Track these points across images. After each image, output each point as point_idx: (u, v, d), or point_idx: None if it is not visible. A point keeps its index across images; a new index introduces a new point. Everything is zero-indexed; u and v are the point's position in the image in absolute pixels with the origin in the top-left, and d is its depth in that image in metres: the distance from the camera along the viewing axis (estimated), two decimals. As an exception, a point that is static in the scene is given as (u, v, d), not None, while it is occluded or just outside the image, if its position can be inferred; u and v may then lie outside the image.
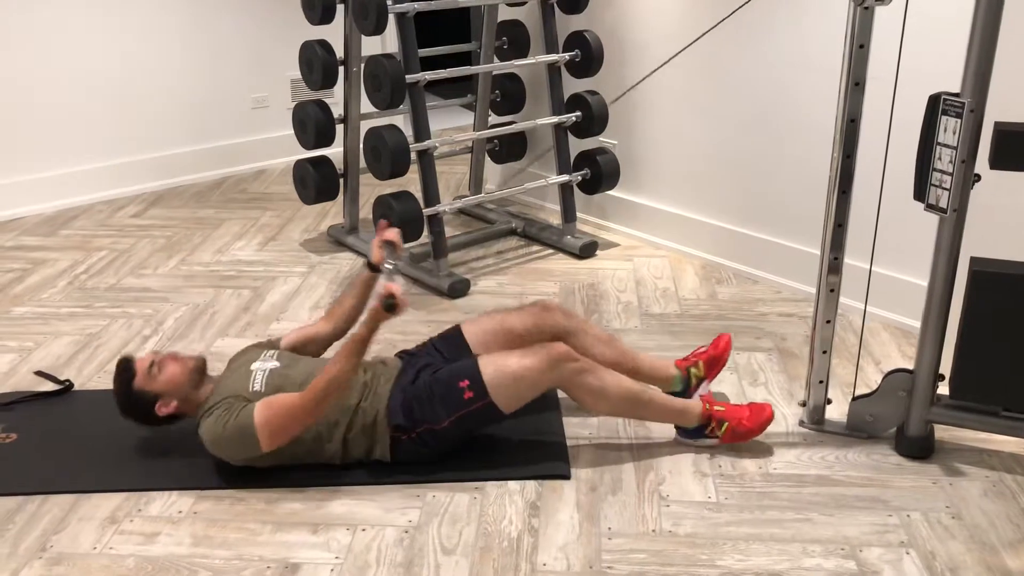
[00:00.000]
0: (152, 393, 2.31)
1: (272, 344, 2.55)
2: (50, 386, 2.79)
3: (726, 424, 2.37)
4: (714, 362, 2.65)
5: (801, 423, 2.55)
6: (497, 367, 2.29)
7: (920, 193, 2.20)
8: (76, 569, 2.04)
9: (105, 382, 2.80)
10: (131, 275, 3.64)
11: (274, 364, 2.38)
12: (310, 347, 2.55)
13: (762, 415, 2.37)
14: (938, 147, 2.13)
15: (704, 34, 2.64)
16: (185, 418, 2.37)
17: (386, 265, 2.38)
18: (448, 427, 2.30)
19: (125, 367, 2.35)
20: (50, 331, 3.16)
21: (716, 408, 2.38)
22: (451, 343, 2.54)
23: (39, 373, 2.86)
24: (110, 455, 2.43)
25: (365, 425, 2.32)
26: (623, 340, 2.77)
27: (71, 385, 2.80)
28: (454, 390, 2.29)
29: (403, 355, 2.55)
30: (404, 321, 3.21)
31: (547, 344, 2.34)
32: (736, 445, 2.42)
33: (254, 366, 2.36)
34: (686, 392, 2.60)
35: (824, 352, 2.48)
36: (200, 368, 2.38)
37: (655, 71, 2.84)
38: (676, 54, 2.78)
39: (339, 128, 3.74)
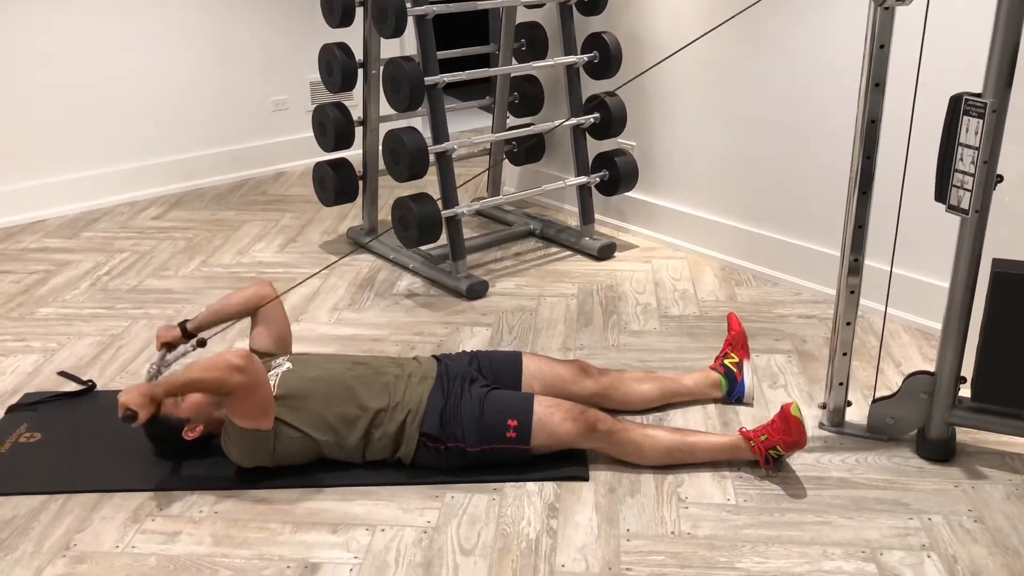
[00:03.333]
0: (178, 419, 2.35)
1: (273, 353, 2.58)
2: (73, 386, 2.82)
3: (776, 446, 2.33)
4: (738, 340, 2.68)
5: (821, 425, 2.54)
6: (541, 418, 2.32)
7: (941, 194, 2.18)
8: (99, 567, 2.06)
9: (128, 382, 2.84)
10: (153, 276, 3.67)
11: (287, 366, 2.41)
12: (267, 337, 2.60)
13: (787, 421, 2.31)
14: (960, 148, 2.11)
15: (713, 29, 2.63)
16: (215, 437, 2.40)
17: (150, 367, 2.54)
18: (477, 453, 2.32)
19: None
20: (73, 332, 3.19)
21: (761, 439, 2.34)
22: (504, 366, 2.54)
23: (62, 374, 2.89)
24: (132, 455, 2.45)
25: (394, 426, 2.33)
26: (653, 341, 2.77)
27: (94, 385, 2.82)
28: (500, 424, 2.31)
29: (440, 358, 2.55)
30: (422, 321, 3.23)
31: (587, 411, 2.37)
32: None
33: (270, 373, 2.39)
34: (737, 382, 2.63)
35: (844, 354, 2.46)
36: None
37: (660, 62, 2.83)
38: (683, 47, 2.77)
39: (358, 130, 3.76)
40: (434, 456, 2.34)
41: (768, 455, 2.33)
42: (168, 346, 2.59)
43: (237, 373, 2.16)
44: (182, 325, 2.59)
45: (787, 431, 2.30)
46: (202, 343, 2.59)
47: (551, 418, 2.33)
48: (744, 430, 2.38)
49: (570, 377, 2.54)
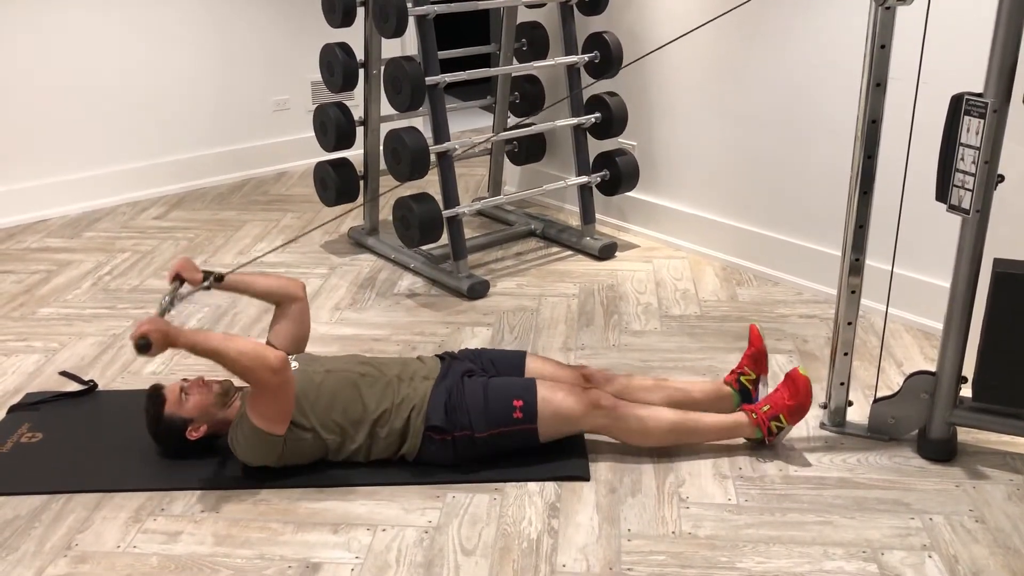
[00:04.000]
0: (182, 418, 2.35)
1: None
2: (75, 386, 2.82)
3: (780, 415, 2.35)
4: (757, 357, 2.61)
5: (822, 425, 2.54)
6: (545, 396, 2.34)
7: (942, 194, 2.18)
8: (100, 567, 2.06)
9: (129, 383, 2.84)
10: (154, 276, 3.67)
11: (295, 366, 2.40)
12: (286, 335, 2.59)
13: (796, 382, 2.34)
14: (961, 148, 2.11)
15: (711, 20, 2.63)
16: (219, 438, 2.41)
17: (163, 299, 2.39)
18: (486, 438, 2.33)
19: (156, 394, 2.38)
20: (74, 332, 3.19)
21: (762, 410, 2.37)
22: (507, 364, 2.54)
23: (64, 373, 2.89)
24: (133, 455, 2.45)
25: (399, 422, 2.33)
26: (660, 350, 2.76)
27: (95, 385, 2.83)
28: (506, 406, 2.32)
29: (444, 356, 2.56)
30: (423, 321, 3.23)
31: (588, 389, 2.39)
32: (757, 446, 2.43)
33: None
34: (751, 399, 2.57)
35: (845, 354, 2.46)
36: (226, 391, 2.41)
37: (650, 52, 2.83)
38: (677, 38, 2.78)
39: (359, 130, 3.76)
40: (440, 449, 2.34)
41: (771, 426, 2.35)
42: (182, 280, 2.45)
43: (269, 373, 2.16)
44: (207, 273, 2.50)
45: (794, 393, 2.33)
46: (219, 278, 2.47)
47: (554, 396, 2.34)
48: (746, 405, 2.41)
49: (573, 383, 2.54)
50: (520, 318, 3.26)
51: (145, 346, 2.11)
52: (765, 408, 2.37)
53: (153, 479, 2.37)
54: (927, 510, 2.20)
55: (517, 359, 2.57)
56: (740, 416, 2.40)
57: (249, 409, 2.24)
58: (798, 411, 2.35)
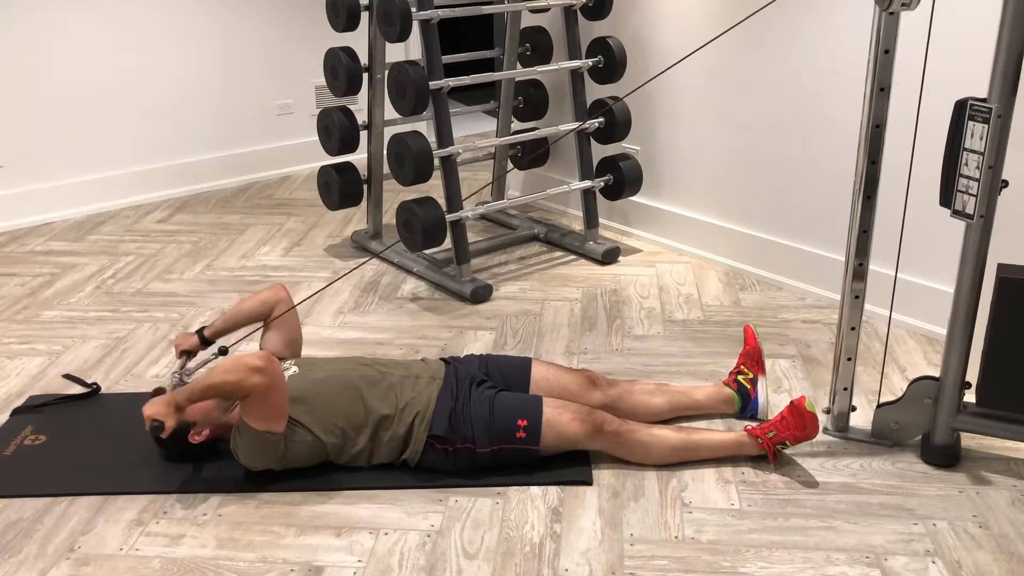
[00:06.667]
0: (184, 423, 2.33)
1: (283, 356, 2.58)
2: (78, 389, 2.83)
3: (785, 441, 2.35)
4: (753, 355, 2.65)
5: (825, 430, 2.54)
6: (550, 419, 2.34)
7: (946, 199, 2.18)
8: (102, 570, 2.06)
9: (132, 386, 2.85)
10: (157, 280, 3.68)
11: (294, 370, 2.41)
12: (277, 341, 2.61)
13: (803, 416, 2.33)
14: (964, 152, 2.11)
15: (720, 35, 2.63)
16: (222, 442, 2.41)
17: (172, 376, 2.51)
18: (487, 453, 2.33)
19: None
20: (78, 335, 3.20)
21: (768, 436, 2.36)
22: (513, 371, 2.54)
23: (67, 376, 2.90)
24: (136, 457, 2.45)
25: (402, 428, 2.34)
26: (667, 359, 2.76)
27: (98, 388, 2.83)
28: (510, 424, 2.32)
29: (449, 360, 2.56)
30: (426, 325, 3.23)
31: (593, 412, 2.39)
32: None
33: None
34: (750, 398, 2.60)
35: (849, 359, 2.46)
36: None
37: (667, 69, 2.83)
38: (692, 52, 2.78)
39: (363, 134, 3.77)
40: (441, 457, 2.34)
41: (776, 450, 2.35)
42: (187, 353, 2.58)
43: (256, 374, 2.15)
44: (200, 332, 2.60)
45: (801, 426, 2.32)
46: (223, 351, 2.56)
47: (559, 418, 2.34)
48: (749, 428, 2.40)
49: (577, 388, 2.54)
50: (523, 322, 3.26)
51: (159, 427, 2.16)
52: (771, 434, 2.35)
53: (156, 482, 2.37)
54: (930, 516, 2.19)
55: (523, 365, 2.57)
56: (743, 437, 2.39)
57: (244, 415, 2.24)
58: (804, 440, 2.35)
